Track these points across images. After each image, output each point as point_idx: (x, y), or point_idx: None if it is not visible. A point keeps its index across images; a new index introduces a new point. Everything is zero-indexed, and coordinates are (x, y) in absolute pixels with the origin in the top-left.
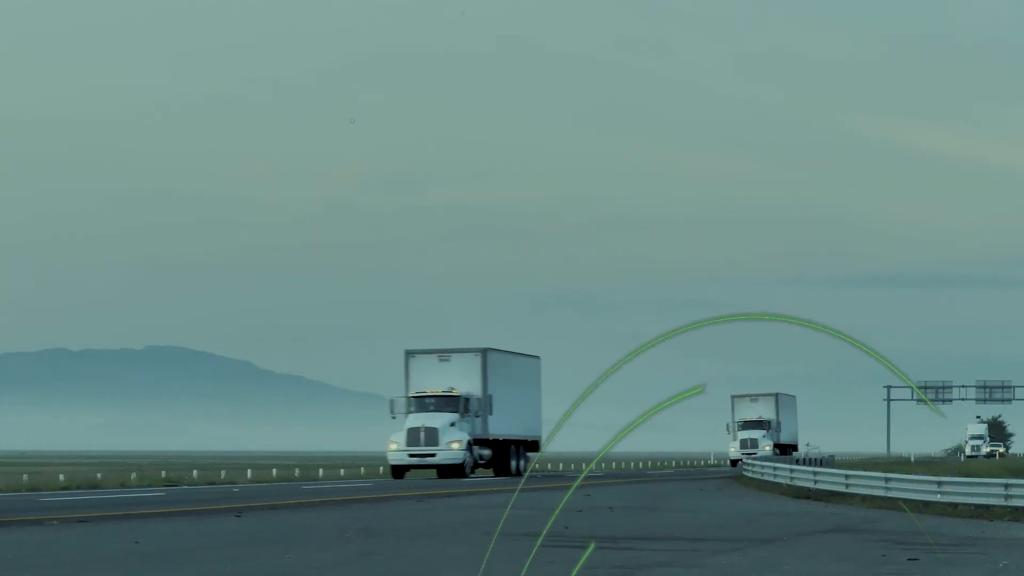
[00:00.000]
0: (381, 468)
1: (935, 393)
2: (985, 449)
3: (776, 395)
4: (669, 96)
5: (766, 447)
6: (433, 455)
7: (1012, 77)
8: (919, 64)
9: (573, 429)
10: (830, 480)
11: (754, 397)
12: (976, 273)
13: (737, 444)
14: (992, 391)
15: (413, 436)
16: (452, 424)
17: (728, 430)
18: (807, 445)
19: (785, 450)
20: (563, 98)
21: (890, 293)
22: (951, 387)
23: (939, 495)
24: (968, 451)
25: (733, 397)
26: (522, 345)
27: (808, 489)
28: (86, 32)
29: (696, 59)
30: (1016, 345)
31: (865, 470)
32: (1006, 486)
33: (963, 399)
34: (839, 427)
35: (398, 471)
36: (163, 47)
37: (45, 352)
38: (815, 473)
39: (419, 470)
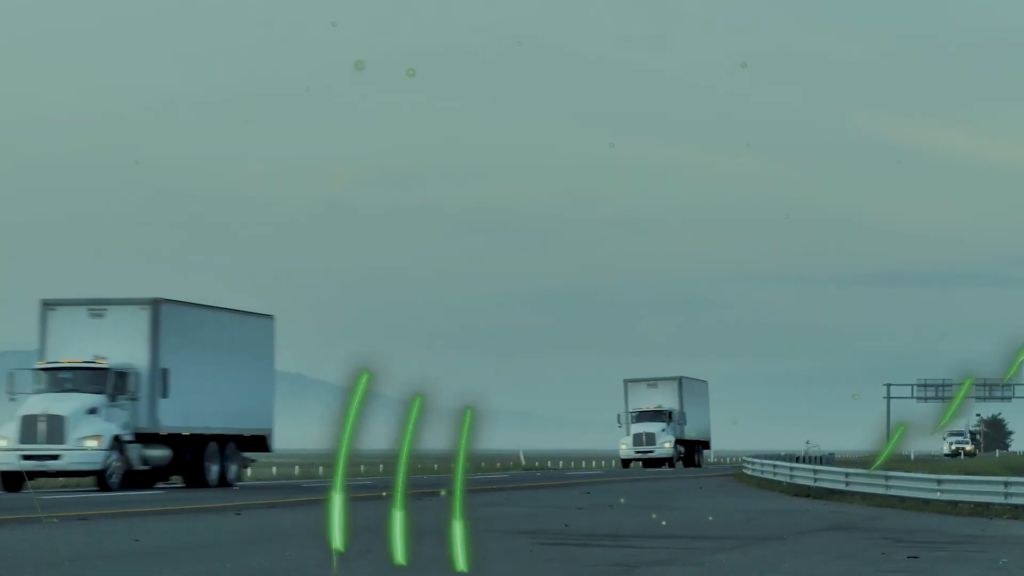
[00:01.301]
0: (381, 466)
1: (935, 391)
2: (953, 447)
3: (679, 379)
4: (669, 95)
5: (666, 443)
6: (56, 456)
7: (1012, 76)
8: (920, 63)
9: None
10: (830, 478)
11: (652, 382)
12: (977, 271)
13: (630, 440)
14: (992, 389)
15: (28, 428)
16: (92, 411)
17: (620, 422)
18: (807, 443)
19: (692, 447)
20: (563, 97)
21: (890, 291)
22: (951, 385)
23: (939, 493)
24: (945, 449)
25: (627, 382)
26: (519, 342)
27: (808, 487)
28: (87, 31)
29: (697, 58)
30: (1016, 343)
31: (865, 468)
32: (1006, 484)
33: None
34: (839, 425)
35: (8, 481)
36: (164, 46)
37: None
38: (815, 471)
39: (44, 478)
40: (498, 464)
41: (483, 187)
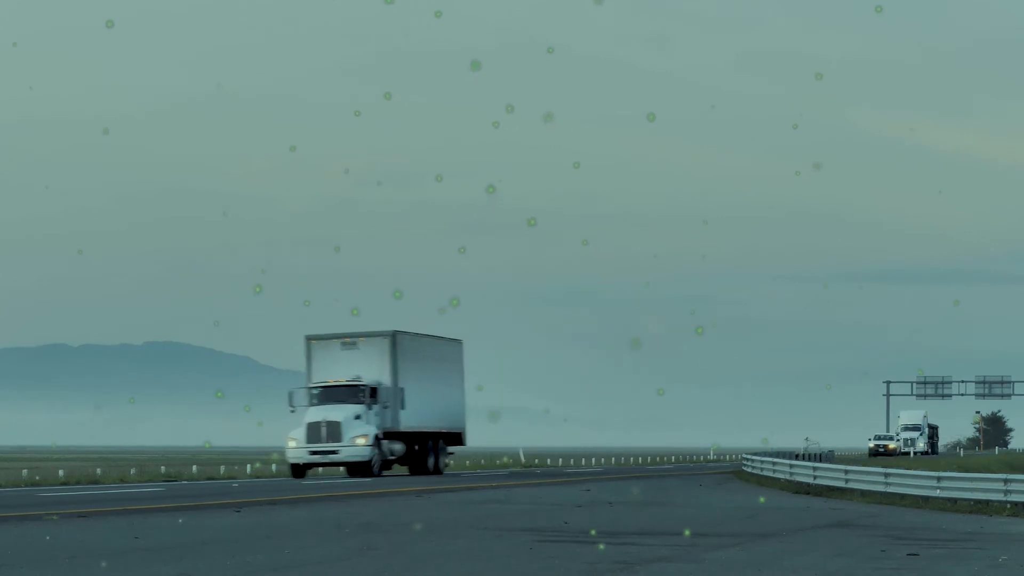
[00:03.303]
0: None
1: (934, 388)
2: (871, 443)
3: (393, 335)
4: (670, 93)
5: (358, 439)
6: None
7: (1012, 74)
8: (920, 62)
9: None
10: (830, 475)
11: (350, 341)
12: (976, 269)
13: (301, 434)
14: (991, 386)
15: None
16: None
17: (291, 404)
18: (807, 440)
19: (424, 444)
20: (563, 95)
21: (890, 289)
22: (950, 382)
23: (939, 491)
24: (873, 443)
25: (310, 339)
26: (519, 340)
27: (808, 484)
28: (90, 31)
29: (697, 56)
30: (1016, 341)
31: (865, 465)
32: (1005, 481)
33: (962, 394)
34: (839, 423)
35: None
36: (167, 46)
37: (44, 347)
38: (815, 468)
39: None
40: (497, 462)
41: (484, 184)
